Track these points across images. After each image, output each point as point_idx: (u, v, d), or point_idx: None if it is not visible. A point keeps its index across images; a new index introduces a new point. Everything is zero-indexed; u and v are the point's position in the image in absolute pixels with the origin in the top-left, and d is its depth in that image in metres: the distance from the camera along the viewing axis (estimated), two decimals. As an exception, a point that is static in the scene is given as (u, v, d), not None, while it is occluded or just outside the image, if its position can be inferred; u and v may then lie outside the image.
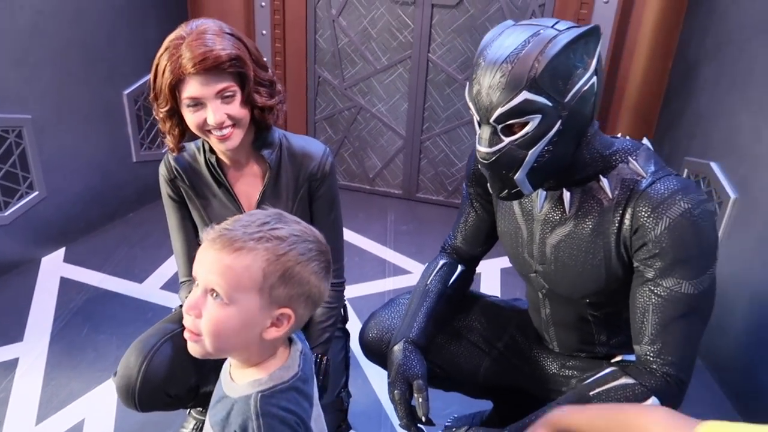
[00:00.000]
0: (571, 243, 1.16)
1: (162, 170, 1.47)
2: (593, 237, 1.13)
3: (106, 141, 2.81)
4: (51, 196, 2.57)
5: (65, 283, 2.47)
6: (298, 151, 1.46)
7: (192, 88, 1.26)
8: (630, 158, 1.11)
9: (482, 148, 1.06)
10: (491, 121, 1.02)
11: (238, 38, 1.30)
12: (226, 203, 1.46)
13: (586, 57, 1.01)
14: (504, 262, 2.65)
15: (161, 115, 1.34)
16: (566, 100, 1.00)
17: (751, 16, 2.00)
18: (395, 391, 1.24)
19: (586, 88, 1.02)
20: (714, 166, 2.14)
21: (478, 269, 2.62)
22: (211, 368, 1.39)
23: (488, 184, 1.15)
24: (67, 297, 2.38)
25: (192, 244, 1.51)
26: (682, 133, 2.45)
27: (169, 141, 1.39)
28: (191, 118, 1.30)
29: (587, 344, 1.32)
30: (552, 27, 1.01)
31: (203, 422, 1.65)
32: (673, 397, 1.08)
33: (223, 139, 1.31)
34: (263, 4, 3.06)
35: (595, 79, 1.03)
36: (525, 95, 0.98)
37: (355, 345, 1.61)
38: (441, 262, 1.44)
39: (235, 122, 1.31)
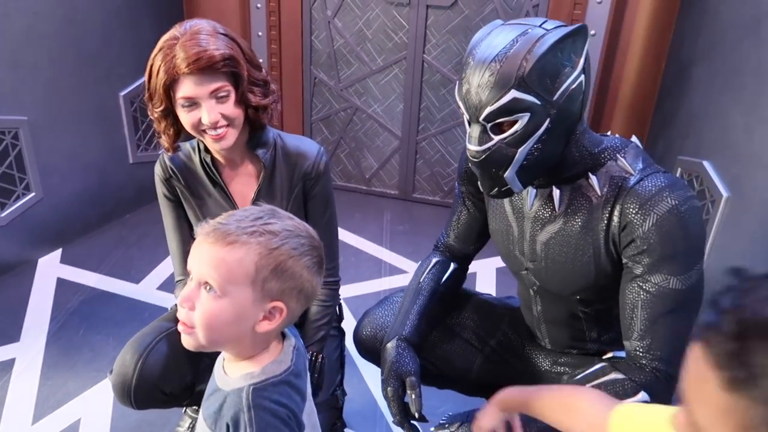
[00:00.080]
0: (561, 240, 1.18)
1: (157, 169, 1.48)
2: (582, 234, 1.15)
3: (102, 142, 2.82)
4: (48, 197, 2.58)
5: (62, 284, 2.48)
6: (292, 150, 1.47)
7: (186, 88, 1.27)
8: (618, 156, 1.12)
9: (472, 147, 1.08)
10: (481, 119, 1.04)
11: (231, 38, 1.31)
12: (222, 202, 1.47)
13: (573, 56, 1.02)
14: (500, 261, 2.65)
15: (156, 115, 1.35)
16: (554, 98, 1.02)
17: (742, 17, 2.01)
18: (388, 388, 1.25)
19: (574, 86, 1.03)
20: (707, 164, 2.15)
21: (474, 269, 2.63)
22: (206, 366, 1.40)
23: (478, 183, 1.16)
24: (63, 297, 2.39)
25: (187, 243, 1.52)
26: (675, 132, 2.47)
27: (165, 141, 1.40)
28: (186, 118, 1.31)
29: (578, 341, 1.34)
30: (540, 26, 1.02)
31: (199, 421, 1.66)
32: (662, 391, 1.09)
33: (218, 138, 1.32)
34: (259, 5, 3.07)
35: (583, 77, 1.04)
36: (513, 94, 0.99)
37: (350, 343, 1.62)
38: (434, 260, 1.45)
39: (230, 122, 1.32)
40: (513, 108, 1.01)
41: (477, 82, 1.01)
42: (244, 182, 1.48)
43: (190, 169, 1.47)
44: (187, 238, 1.52)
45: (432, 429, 1.20)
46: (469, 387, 1.55)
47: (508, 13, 2.82)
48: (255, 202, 1.46)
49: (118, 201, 2.97)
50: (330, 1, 3.03)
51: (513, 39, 1.00)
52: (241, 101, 1.33)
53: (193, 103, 1.29)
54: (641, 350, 1.10)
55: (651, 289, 1.08)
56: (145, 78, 1.31)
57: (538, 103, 1.01)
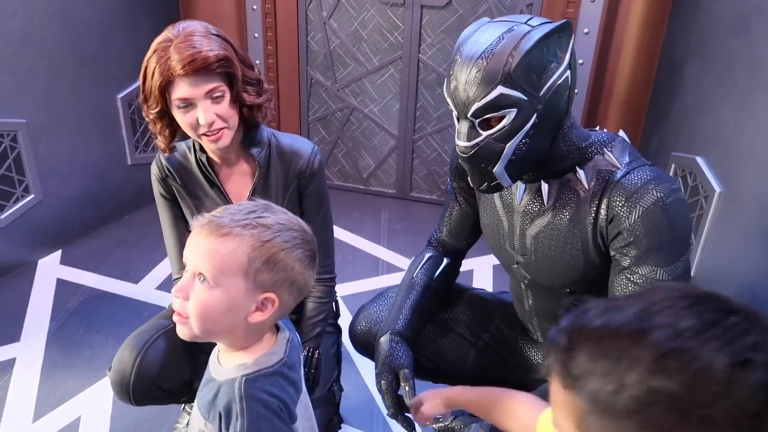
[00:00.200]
0: (550, 233, 1.20)
1: (154, 169, 1.49)
2: (571, 227, 1.16)
3: (101, 144, 2.84)
4: (47, 199, 2.60)
5: (62, 285, 2.50)
6: (286, 149, 1.49)
7: (182, 89, 1.28)
8: (605, 150, 1.14)
9: (461, 143, 1.10)
10: (469, 115, 1.06)
11: (224, 39, 1.33)
12: (218, 201, 1.49)
13: (559, 52, 1.04)
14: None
15: (151, 117, 1.36)
16: (541, 93, 1.04)
17: (731, 15, 2.04)
18: (382, 381, 1.27)
19: (560, 82, 1.05)
20: (700, 160, 2.17)
21: (471, 266, 2.65)
22: (204, 363, 1.41)
23: (468, 178, 1.18)
24: (63, 298, 2.41)
25: (184, 242, 1.53)
26: (669, 129, 2.49)
27: (160, 142, 1.42)
28: (182, 119, 1.33)
29: (570, 334, 1.35)
30: (525, 23, 1.04)
31: (197, 417, 1.67)
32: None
33: (215, 139, 1.34)
34: (255, 7, 3.09)
35: (569, 73, 1.06)
36: (500, 90, 1.01)
37: (347, 340, 1.64)
38: (427, 256, 1.47)
39: (226, 121, 1.33)
40: (500, 104, 1.03)
41: (464, 79, 1.03)
42: (239, 181, 1.50)
43: (186, 169, 1.48)
44: (183, 237, 1.53)
45: (427, 424, 1.22)
46: (463, 381, 1.55)
47: (502, 12, 2.84)
48: (250, 199, 1.48)
49: (116, 202, 3.00)
50: (325, 2, 3.05)
51: (499, 36, 1.02)
52: (236, 101, 1.35)
53: (188, 104, 1.30)
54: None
55: (638, 281, 1.10)
56: (140, 80, 1.33)
57: (525, 98, 1.03)
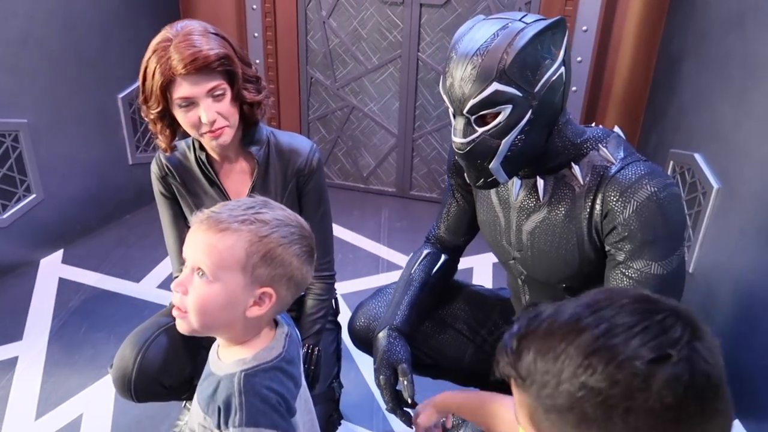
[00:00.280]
0: (546, 229, 1.21)
1: (153, 168, 1.51)
2: (566, 222, 1.17)
3: (101, 144, 2.85)
4: (48, 198, 2.61)
5: (63, 284, 2.51)
6: (285, 147, 1.50)
7: (183, 88, 1.29)
8: (600, 145, 1.15)
9: (457, 139, 1.11)
10: (464, 112, 1.07)
11: (222, 37, 1.34)
12: (217, 199, 1.49)
13: (553, 48, 1.05)
14: (496, 256, 2.69)
15: (152, 117, 1.37)
16: (536, 90, 1.05)
17: (727, 11, 2.04)
18: (380, 377, 1.28)
19: (554, 78, 1.06)
20: (698, 157, 2.18)
21: (470, 263, 2.65)
22: (204, 360, 1.43)
23: (465, 174, 1.19)
24: (65, 297, 2.43)
25: (184, 240, 1.54)
26: (667, 126, 2.49)
27: (161, 142, 1.43)
28: (184, 118, 1.34)
29: (567, 329, 1.36)
30: (520, 20, 1.05)
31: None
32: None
33: (216, 136, 1.35)
34: (254, 7, 3.11)
35: (563, 69, 1.07)
36: (495, 86, 1.02)
37: (347, 337, 1.65)
38: (425, 252, 1.48)
39: (227, 119, 1.34)
40: (495, 100, 1.04)
41: (460, 76, 1.04)
42: (238, 179, 1.51)
43: (186, 167, 1.49)
44: (183, 235, 1.52)
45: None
46: (462, 377, 1.58)
47: (500, 10, 2.85)
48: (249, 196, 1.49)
49: (117, 202, 3.01)
50: (324, 1, 3.06)
51: (494, 33, 1.03)
52: (237, 98, 1.36)
53: (190, 103, 1.31)
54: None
55: (633, 275, 1.11)
56: (140, 81, 1.34)
57: (520, 95, 1.04)
